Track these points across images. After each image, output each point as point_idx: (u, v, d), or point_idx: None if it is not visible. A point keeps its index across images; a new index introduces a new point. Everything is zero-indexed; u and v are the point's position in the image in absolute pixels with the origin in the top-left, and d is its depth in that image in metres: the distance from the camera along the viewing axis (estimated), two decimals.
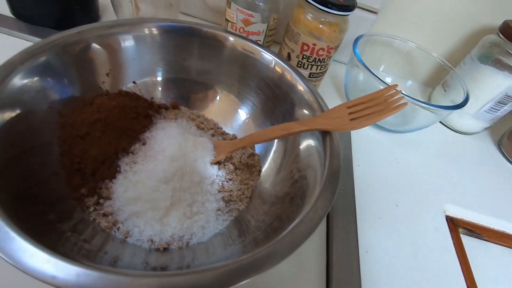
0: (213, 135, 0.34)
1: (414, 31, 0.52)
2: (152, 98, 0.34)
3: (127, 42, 0.31)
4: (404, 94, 0.36)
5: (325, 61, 0.41)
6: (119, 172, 0.27)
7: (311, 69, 0.41)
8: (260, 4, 0.38)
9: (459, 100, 0.41)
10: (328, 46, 0.39)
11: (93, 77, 0.30)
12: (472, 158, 0.47)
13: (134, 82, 0.33)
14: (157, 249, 0.25)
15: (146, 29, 0.32)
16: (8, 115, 0.22)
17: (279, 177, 0.29)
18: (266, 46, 0.44)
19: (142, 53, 0.32)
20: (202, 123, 0.35)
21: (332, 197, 0.21)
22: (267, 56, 0.32)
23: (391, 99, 0.23)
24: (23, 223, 0.18)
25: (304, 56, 0.40)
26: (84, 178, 0.26)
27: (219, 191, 0.29)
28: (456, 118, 0.49)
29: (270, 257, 0.17)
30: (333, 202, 0.21)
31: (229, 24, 0.41)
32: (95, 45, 0.29)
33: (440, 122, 0.51)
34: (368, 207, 0.35)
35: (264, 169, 0.32)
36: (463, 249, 0.35)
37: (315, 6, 0.35)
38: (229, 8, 0.40)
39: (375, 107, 0.24)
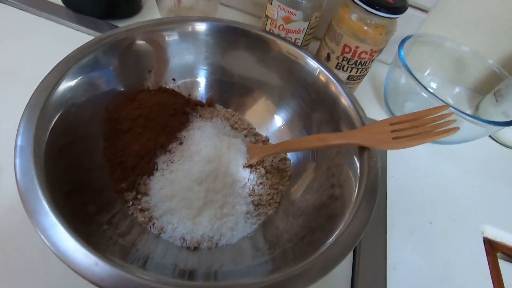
0: (246, 136, 0.34)
1: (468, 34, 0.47)
2: (189, 95, 0.35)
3: (171, 40, 0.31)
4: (452, 107, 0.34)
5: (367, 64, 0.39)
6: (157, 169, 0.28)
7: (350, 72, 0.40)
8: (303, 2, 0.37)
9: None
10: (371, 50, 0.37)
11: (137, 74, 0.31)
12: None
13: (173, 80, 0.33)
14: (188, 248, 0.26)
15: (189, 27, 0.32)
16: (62, 109, 0.24)
17: (312, 187, 0.29)
18: (305, 44, 0.43)
19: (183, 51, 0.32)
20: (236, 122, 0.35)
21: (368, 217, 0.20)
22: (312, 63, 0.31)
23: (441, 121, 0.22)
24: (68, 213, 0.19)
25: (345, 58, 0.38)
26: (125, 172, 0.27)
27: (250, 195, 0.29)
28: (507, 131, 0.45)
29: (301, 278, 0.17)
30: (368, 224, 0.21)
31: (269, 20, 0.40)
32: (141, 43, 0.29)
33: None
34: (399, 222, 0.34)
35: (296, 177, 0.31)
36: (500, 275, 0.33)
37: (361, 6, 0.33)
38: (270, 4, 0.39)
39: (421, 127, 0.22)
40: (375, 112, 0.45)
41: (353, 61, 0.38)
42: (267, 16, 0.41)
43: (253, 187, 0.30)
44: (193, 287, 0.16)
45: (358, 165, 0.24)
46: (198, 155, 0.27)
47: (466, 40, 0.46)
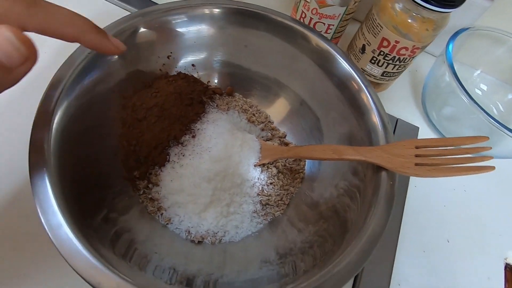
0: (262, 130, 0.33)
1: None
2: (208, 82, 0.33)
3: (193, 24, 0.30)
4: (493, 120, 0.30)
5: (406, 61, 0.35)
6: (168, 161, 0.28)
7: (386, 68, 0.36)
8: None
9: None
10: (413, 46, 0.32)
11: (155, 60, 0.30)
12: None
13: (193, 65, 0.32)
14: (192, 241, 0.27)
15: (214, 10, 0.30)
16: (81, 92, 0.24)
17: (325, 194, 0.28)
18: (339, 31, 0.39)
19: (205, 36, 0.31)
20: (254, 115, 0.34)
21: (381, 232, 0.20)
22: (346, 67, 0.28)
23: (475, 155, 0.19)
24: (77, 206, 0.20)
25: (382, 53, 0.34)
26: (138, 161, 0.28)
27: (258, 194, 0.29)
28: None
29: None
30: (380, 238, 0.20)
31: (302, 1, 0.37)
32: (161, 27, 0.28)
33: None
34: (413, 237, 0.32)
35: (309, 180, 0.30)
36: None
37: None
38: None
39: (450, 157, 0.20)
40: (408, 112, 0.41)
41: (391, 56, 0.34)
42: None
43: (262, 187, 0.29)
44: None
45: (373, 184, 0.23)
46: (208, 153, 0.27)
47: None
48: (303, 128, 0.32)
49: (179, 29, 0.29)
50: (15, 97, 0.31)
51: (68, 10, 0.16)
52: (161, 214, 0.27)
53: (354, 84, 0.27)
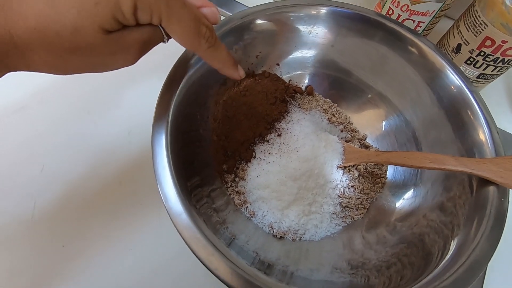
0: (342, 131, 0.33)
1: None
2: (290, 81, 0.34)
3: (283, 25, 0.30)
4: None
5: (510, 63, 0.31)
6: (254, 157, 0.29)
7: (484, 70, 0.33)
8: None
9: None
10: None
11: (245, 59, 0.31)
12: None
13: (277, 64, 0.33)
14: (274, 236, 0.28)
15: (301, 12, 0.30)
16: (186, 88, 0.26)
17: (411, 213, 0.27)
18: (429, 28, 0.36)
19: (292, 37, 0.31)
20: (334, 115, 0.33)
21: (475, 276, 0.18)
22: (453, 77, 0.26)
23: None
24: (182, 181, 0.22)
25: (482, 53, 0.31)
26: (226, 155, 0.30)
27: (339, 196, 0.29)
28: None
29: None
30: (486, 265, 0.19)
31: None
32: (254, 29, 0.29)
33: None
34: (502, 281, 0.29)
35: (393, 188, 0.29)
36: None
37: None
38: None
39: None
40: (503, 119, 0.37)
41: (493, 57, 0.31)
42: None
43: (343, 189, 0.29)
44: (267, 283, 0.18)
45: (479, 202, 0.21)
46: (296, 153, 0.28)
47: None
48: (387, 133, 0.31)
49: (270, 30, 0.30)
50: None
51: (227, 52, 0.22)
52: (246, 207, 0.28)
53: (459, 96, 0.25)
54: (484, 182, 0.22)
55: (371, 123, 0.33)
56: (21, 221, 0.28)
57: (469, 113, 0.25)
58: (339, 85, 0.33)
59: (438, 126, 0.27)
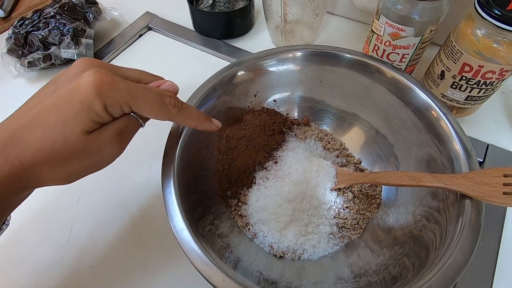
0: (337, 156, 0.36)
1: None
2: (287, 114, 0.38)
3: (274, 68, 0.35)
4: None
5: (494, 84, 0.33)
6: (254, 183, 0.33)
7: (470, 92, 0.35)
8: (415, 17, 0.34)
9: None
10: (502, 69, 0.31)
11: (245, 99, 0.36)
12: None
13: (274, 101, 0.37)
14: (275, 255, 0.30)
15: (289, 55, 0.35)
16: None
17: (403, 219, 0.28)
18: (415, 59, 0.40)
19: (284, 77, 0.36)
20: (329, 142, 0.36)
21: (465, 262, 0.20)
22: (422, 96, 0.29)
23: None
24: (190, 210, 0.26)
25: (464, 78, 0.34)
26: (230, 182, 0.33)
27: (335, 217, 0.31)
28: None
29: None
30: (462, 271, 0.20)
31: (374, 36, 0.39)
32: (248, 73, 0.34)
33: None
34: None
35: (387, 205, 0.31)
36: None
37: (492, 23, 0.28)
38: (377, 20, 0.37)
39: None
40: (501, 136, 0.38)
41: (475, 81, 0.33)
42: (373, 31, 0.39)
43: (338, 210, 0.31)
44: None
45: (456, 213, 0.23)
46: (289, 177, 0.31)
47: None
48: (378, 155, 0.34)
49: (264, 72, 0.35)
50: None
51: (196, 110, 0.25)
52: (248, 229, 0.31)
53: (433, 113, 0.28)
54: (462, 195, 0.23)
55: (363, 147, 0.35)
56: (60, 245, 0.33)
57: (444, 128, 0.27)
58: (331, 115, 0.37)
59: (419, 146, 0.29)
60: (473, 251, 0.20)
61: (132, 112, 0.21)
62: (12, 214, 0.23)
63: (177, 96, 0.24)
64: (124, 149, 0.22)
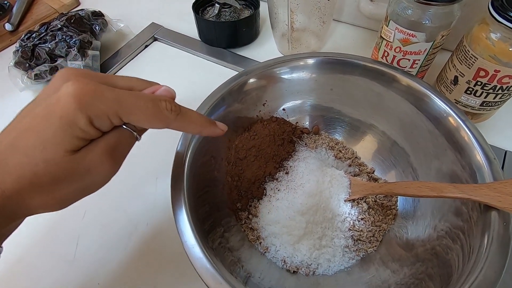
0: (350, 165, 0.35)
1: None
2: (297, 123, 0.37)
3: (282, 76, 0.35)
4: None
5: (511, 89, 0.32)
6: (265, 194, 0.32)
7: (485, 98, 0.34)
8: (427, 22, 0.33)
9: None
10: None
11: (254, 108, 0.35)
12: None
13: (283, 110, 0.37)
14: (288, 270, 0.29)
15: (300, 62, 0.34)
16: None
17: (422, 236, 0.27)
18: (426, 64, 0.39)
19: (294, 85, 0.35)
20: (340, 151, 0.35)
21: (495, 283, 0.18)
22: (441, 104, 0.28)
23: None
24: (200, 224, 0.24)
25: (479, 83, 0.33)
26: (240, 194, 0.32)
27: (349, 229, 0.30)
28: None
29: None
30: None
31: (384, 42, 0.38)
32: (257, 82, 0.34)
33: None
34: None
35: (405, 217, 0.30)
36: None
37: (508, 27, 0.28)
38: (387, 26, 0.37)
39: None
40: None
41: (490, 86, 0.32)
42: (382, 37, 0.39)
43: (353, 222, 0.30)
44: None
45: (482, 226, 0.21)
46: (302, 188, 0.30)
47: None
48: (392, 164, 0.32)
49: (277, 80, 0.34)
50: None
51: (197, 113, 0.22)
52: (260, 243, 0.30)
53: (451, 121, 0.27)
54: (486, 207, 0.22)
55: (376, 155, 0.34)
56: (66, 261, 0.32)
57: (464, 137, 0.26)
58: (343, 123, 0.36)
59: (438, 155, 0.28)
60: (504, 267, 0.19)
61: (124, 124, 0.18)
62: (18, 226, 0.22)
63: (183, 105, 0.21)
64: (118, 168, 0.20)
